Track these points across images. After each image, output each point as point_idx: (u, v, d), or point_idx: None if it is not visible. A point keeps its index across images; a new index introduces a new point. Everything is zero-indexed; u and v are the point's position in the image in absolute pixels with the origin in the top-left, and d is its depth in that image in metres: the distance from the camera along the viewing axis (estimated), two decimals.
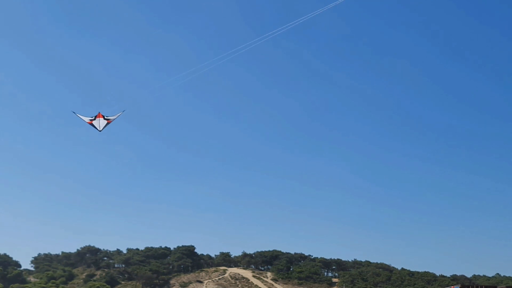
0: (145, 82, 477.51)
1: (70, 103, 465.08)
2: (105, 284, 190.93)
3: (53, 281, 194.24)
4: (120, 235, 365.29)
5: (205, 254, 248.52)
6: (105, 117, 64.08)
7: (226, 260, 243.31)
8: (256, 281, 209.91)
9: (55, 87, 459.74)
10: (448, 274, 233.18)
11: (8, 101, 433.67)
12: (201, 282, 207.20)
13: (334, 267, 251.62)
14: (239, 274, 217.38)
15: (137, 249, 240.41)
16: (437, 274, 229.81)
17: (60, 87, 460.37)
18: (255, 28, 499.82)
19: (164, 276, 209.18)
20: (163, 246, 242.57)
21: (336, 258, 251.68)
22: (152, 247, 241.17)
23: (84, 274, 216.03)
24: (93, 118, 63.95)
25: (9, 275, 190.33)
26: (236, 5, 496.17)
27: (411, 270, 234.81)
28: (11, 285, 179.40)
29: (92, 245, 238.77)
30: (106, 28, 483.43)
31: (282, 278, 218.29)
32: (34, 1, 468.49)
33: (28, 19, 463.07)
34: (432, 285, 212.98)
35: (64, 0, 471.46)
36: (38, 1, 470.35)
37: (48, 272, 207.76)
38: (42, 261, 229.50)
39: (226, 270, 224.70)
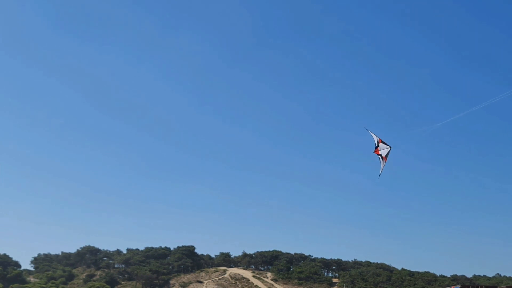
0: (152, 87, 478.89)
1: (71, 105, 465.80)
2: (105, 284, 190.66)
3: (53, 281, 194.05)
4: (120, 235, 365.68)
5: (205, 254, 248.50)
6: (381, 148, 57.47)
7: (226, 260, 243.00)
8: (256, 281, 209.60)
9: (58, 91, 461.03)
10: (448, 274, 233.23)
11: (8, 103, 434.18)
12: (201, 282, 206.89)
13: (334, 267, 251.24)
14: (239, 274, 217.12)
15: (137, 249, 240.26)
16: (438, 274, 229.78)
17: (62, 91, 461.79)
18: (263, 33, 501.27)
19: (164, 276, 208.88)
20: (163, 246, 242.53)
21: (336, 258, 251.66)
22: (152, 247, 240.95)
23: (84, 274, 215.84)
24: (377, 143, 57.73)
25: (9, 275, 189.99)
26: (244, 10, 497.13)
27: (411, 270, 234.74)
28: (11, 285, 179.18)
29: (92, 245, 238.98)
30: (113, 34, 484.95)
31: (282, 278, 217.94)
32: (39, 8, 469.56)
33: (34, 25, 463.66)
34: (432, 285, 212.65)
35: (71, 6, 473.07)
36: (43, 8, 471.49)
37: (48, 272, 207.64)
38: (42, 261, 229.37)
39: (226, 270, 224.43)
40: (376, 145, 58.08)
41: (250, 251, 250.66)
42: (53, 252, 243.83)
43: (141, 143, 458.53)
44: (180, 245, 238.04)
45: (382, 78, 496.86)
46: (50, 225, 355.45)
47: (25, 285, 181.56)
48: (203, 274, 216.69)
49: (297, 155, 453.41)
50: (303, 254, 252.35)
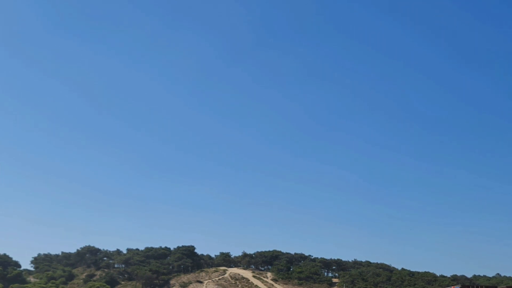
0: (152, 87, 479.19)
1: (71, 105, 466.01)
2: (105, 284, 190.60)
3: (53, 281, 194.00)
4: (120, 235, 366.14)
5: (205, 254, 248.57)
6: None
7: (226, 260, 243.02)
8: (256, 281, 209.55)
9: (58, 90, 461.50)
10: (448, 274, 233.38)
11: (9, 103, 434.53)
12: (201, 282, 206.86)
13: (334, 267, 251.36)
14: (239, 274, 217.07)
15: (137, 249, 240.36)
16: (438, 274, 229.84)
17: (62, 91, 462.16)
18: (263, 33, 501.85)
19: (164, 276, 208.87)
20: (163, 246, 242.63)
21: (336, 258, 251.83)
22: (152, 247, 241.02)
23: (84, 274, 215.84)
24: None
25: (9, 275, 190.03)
26: (244, 10, 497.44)
27: (411, 270, 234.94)
28: (11, 285, 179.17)
29: (92, 245, 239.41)
30: (113, 34, 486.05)
31: (282, 278, 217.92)
32: (39, 8, 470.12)
33: (33, 25, 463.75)
34: (432, 285, 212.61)
35: (71, 6, 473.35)
36: (43, 8, 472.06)
37: (48, 272, 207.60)
38: (42, 261, 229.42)
39: (226, 270, 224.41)
40: None
41: (250, 251, 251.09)
42: (53, 252, 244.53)
43: (141, 143, 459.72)
44: (180, 245, 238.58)
45: (382, 78, 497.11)
46: (50, 225, 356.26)
47: (25, 285, 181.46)
48: (203, 274, 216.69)
49: (297, 155, 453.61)
50: (303, 254, 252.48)
